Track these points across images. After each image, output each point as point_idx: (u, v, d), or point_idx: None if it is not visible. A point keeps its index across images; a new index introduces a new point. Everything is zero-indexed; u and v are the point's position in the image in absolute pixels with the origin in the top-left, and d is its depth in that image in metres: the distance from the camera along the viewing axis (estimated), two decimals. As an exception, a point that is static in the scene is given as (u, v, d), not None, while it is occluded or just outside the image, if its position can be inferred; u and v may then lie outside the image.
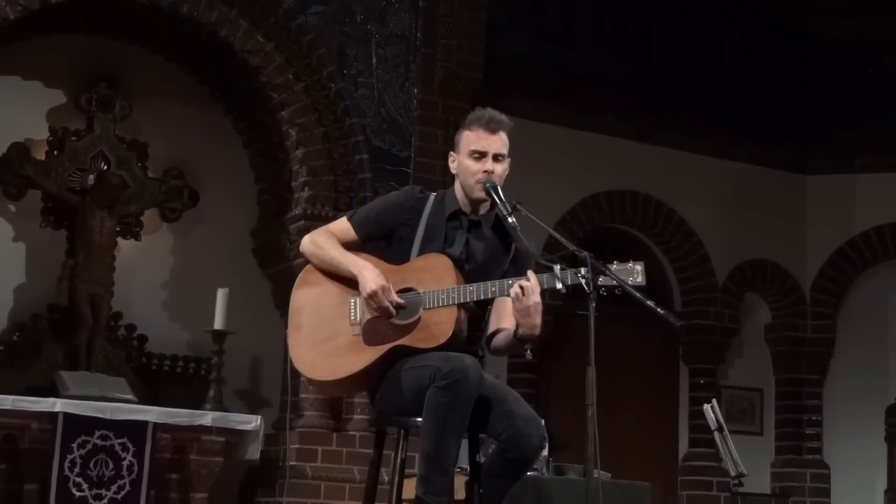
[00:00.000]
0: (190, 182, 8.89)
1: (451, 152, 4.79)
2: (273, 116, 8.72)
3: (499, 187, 4.60)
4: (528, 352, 4.60)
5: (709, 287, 10.67)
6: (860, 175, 11.01)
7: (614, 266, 4.41)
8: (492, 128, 4.68)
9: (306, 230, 8.01)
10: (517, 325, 4.50)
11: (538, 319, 4.44)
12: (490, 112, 4.72)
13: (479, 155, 4.64)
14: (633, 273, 4.42)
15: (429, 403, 4.31)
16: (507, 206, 4.54)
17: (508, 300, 4.58)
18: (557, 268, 4.41)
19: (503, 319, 4.67)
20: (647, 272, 4.47)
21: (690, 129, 10.59)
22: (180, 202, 8.85)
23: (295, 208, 8.65)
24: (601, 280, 4.37)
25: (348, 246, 4.70)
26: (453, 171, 4.76)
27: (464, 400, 4.29)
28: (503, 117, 4.72)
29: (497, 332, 4.69)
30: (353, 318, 4.60)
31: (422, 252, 4.64)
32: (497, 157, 4.66)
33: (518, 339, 4.53)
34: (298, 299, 4.73)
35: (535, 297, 4.38)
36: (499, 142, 4.68)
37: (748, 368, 10.90)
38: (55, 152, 8.50)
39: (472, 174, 4.64)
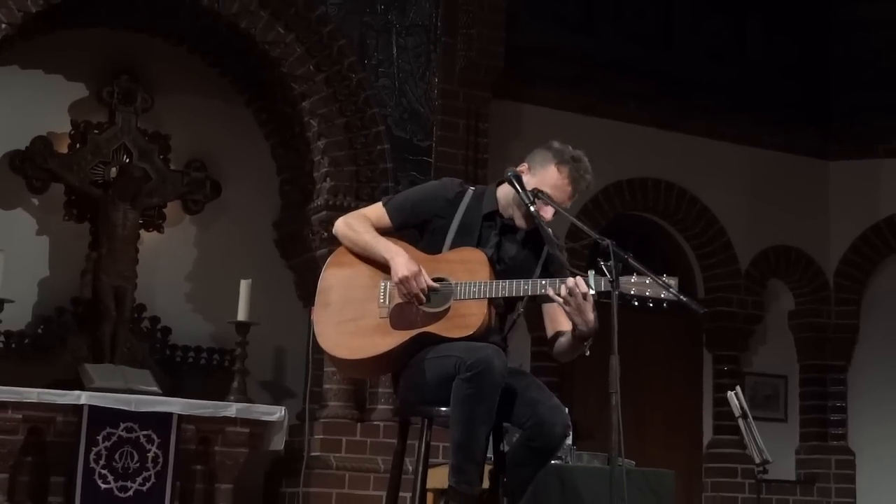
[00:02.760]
0: (212, 174, 8.90)
1: (526, 163, 4.69)
2: (294, 107, 8.72)
3: (522, 177, 4.58)
4: (587, 350, 4.54)
5: (732, 274, 10.63)
6: (884, 160, 10.96)
7: (648, 281, 4.37)
8: (579, 187, 4.67)
9: (329, 221, 8.10)
10: (573, 326, 4.48)
11: (591, 314, 4.41)
12: (585, 166, 4.67)
13: (547, 199, 4.58)
14: (668, 287, 4.40)
15: (455, 395, 4.31)
16: (528, 195, 4.52)
17: (553, 304, 4.56)
18: (592, 273, 4.38)
19: (558, 323, 4.64)
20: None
21: (712, 115, 10.56)
22: (202, 194, 8.86)
23: (317, 199, 8.66)
24: (634, 290, 4.34)
25: (381, 232, 4.69)
26: (524, 181, 4.62)
27: (490, 390, 4.28)
28: (591, 175, 4.70)
29: (556, 336, 4.66)
30: (382, 300, 4.58)
31: (454, 246, 4.62)
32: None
33: (577, 338, 4.50)
34: (328, 278, 4.71)
35: (583, 289, 4.35)
36: (573, 198, 4.68)
37: (772, 355, 10.86)
38: (77, 145, 8.53)
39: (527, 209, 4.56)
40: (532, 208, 4.50)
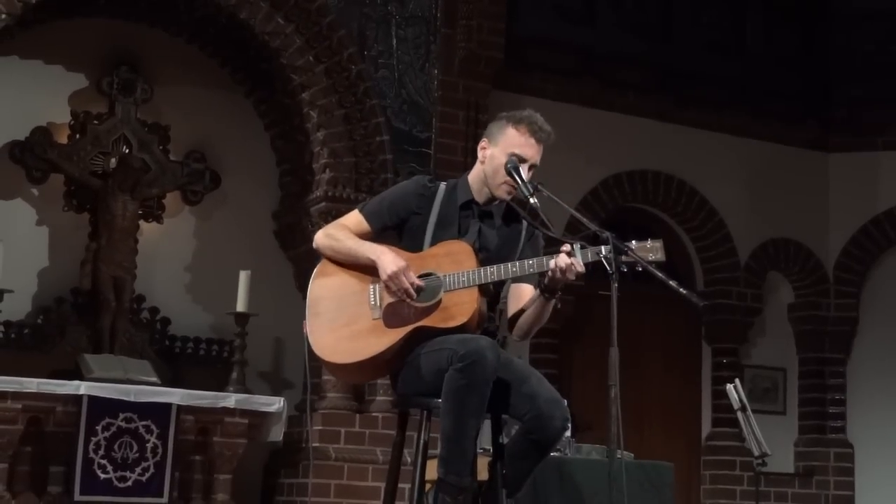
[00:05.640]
0: (211, 165, 8.91)
1: (485, 139, 4.73)
2: (294, 98, 8.73)
3: (521, 169, 4.59)
4: (558, 304, 4.57)
5: (731, 266, 10.64)
6: (883, 152, 10.96)
7: (633, 244, 4.40)
8: (540, 137, 4.65)
9: (328, 212, 8.12)
10: (544, 287, 4.49)
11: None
12: (540, 119, 4.69)
13: (519, 160, 4.60)
14: (653, 251, 4.42)
15: (447, 386, 4.31)
16: (529, 187, 4.53)
17: (521, 285, 4.61)
18: (578, 246, 4.39)
19: (521, 302, 4.66)
20: (669, 252, 4.48)
21: (712, 107, 10.55)
22: (202, 185, 8.88)
23: (316, 190, 8.67)
24: (622, 258, 4.37)
25: (362, 237, 4.68)
26: (481, 159, 4.71)
27: (481, 382, 4.29)
28: (550, 128, 4.70)
29: (518, 314, 4.67)
30: (372, 302, 4.58)
31: (435, 240, 4.63)
32: (532, 167, 4.65)
33: (545, 288, 4.50)
34: (316, 290, 4.70)
35: (580, 270, 4.38)
36: (539, 152, 4.67)
37: (771, 348, 10.87)
38: (77, 136, 8.54)
39: (503, 175, 4.60)
40: (532, 200, 4.51)
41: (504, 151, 4.62)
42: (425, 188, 4.73)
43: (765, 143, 10.83)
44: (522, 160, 4.59)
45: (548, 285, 4.48)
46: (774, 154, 10.85)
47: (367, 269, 4.60)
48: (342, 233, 4.70)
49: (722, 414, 10.18)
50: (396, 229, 4.75)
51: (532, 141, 4.63)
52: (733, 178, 10.66)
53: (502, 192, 4.63)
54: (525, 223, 4.70)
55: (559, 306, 4.62)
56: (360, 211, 4.78)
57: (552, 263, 4.39)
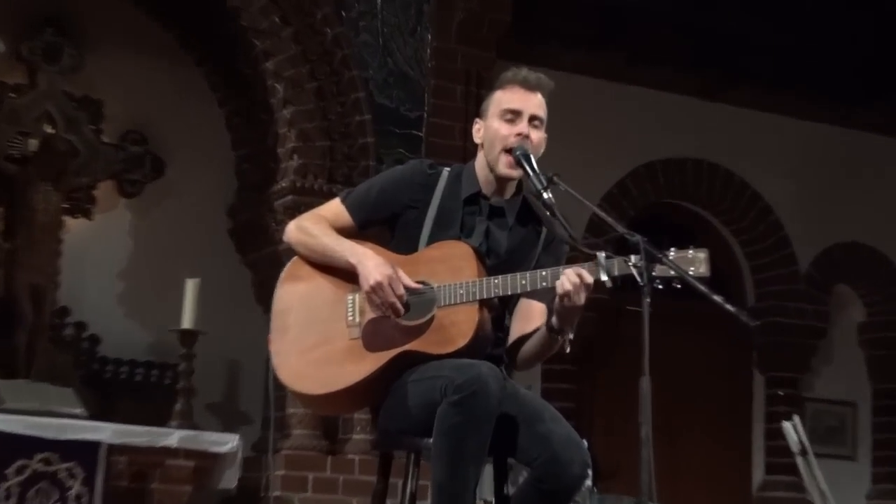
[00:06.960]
0: (153, 148, 8.95)
1: (476, 119, 4.72)
2: (255, 68, 8.75)
3: (532, 157, 4.52)
4: (568, 347, 4.51)
5: (789, 277, 10.67)
6: (966, 137, 11.02)
7: (672, 254, 4.33)
8: (529, 85, 4.61)
9: (295, 207, 8.10)
10: (550, 317, 4.43)
11: (579, 315, 4.39)
12: (527, 70, 4.66)
13: (513, 115, 4.57)
14: (695, 262, 4.35)
15: (440, 423, 4.23)
16: (542, 178, 4.47)
17: (531, 302, 4.55)
18: (602, 256, 4.33)
19: (529, 323, 4.59)
20: (714, 260, 4.41)
21: (765, 84, 10.56)
22: (142, 173, 8.92)
23: (281, 180, 8.67)
24: (657, 270, 4.30)
25: (342, 233, 4.64)
26: (477, 142, 4.69)
27: (482, 418, 4.21)
28: (543, 76, 4.65)
29: (521, 340, 4.61)
30: (350, 318, 4.52)
31: (432, 240, 4.57)
32: (534, 121, 4.59)
33: (553, 330, 4.44)
34: (284, 297, 4.66)
35: (588, 280, 4.29)
36: (537, 102, 4.61)
37: (838, 377, 10.91)
38: (-9, 112, 8.53)
39: (501, 139, 4.55)
40: (546, 195, 4.45)
41: (495, 115, 4.60)
42: (424, 176, 4.68)
43: (829, 126, 10.92)
44: (518, 114, 4.56)
45: (557, 319, 4.40)
46: (841, 141, 10.90)
47: (347, 274, 4.55)
48: (318, 226, 4.65)
49: (777, 458, 10.21)
50: (386, 225, 4.71)
51: (522, 90, 4.61)
52: (792, 170, 10.68)
53: (503, 167, 4.56)
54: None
55: (568, 350, 4.54)
56: (343, 201, 4.73)
57: (558, 285, 4.31)
